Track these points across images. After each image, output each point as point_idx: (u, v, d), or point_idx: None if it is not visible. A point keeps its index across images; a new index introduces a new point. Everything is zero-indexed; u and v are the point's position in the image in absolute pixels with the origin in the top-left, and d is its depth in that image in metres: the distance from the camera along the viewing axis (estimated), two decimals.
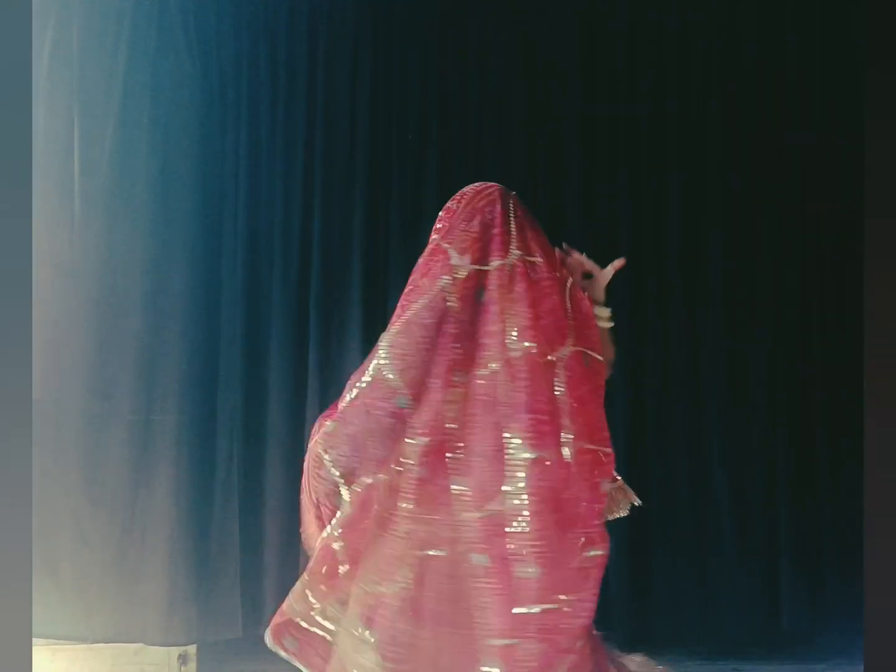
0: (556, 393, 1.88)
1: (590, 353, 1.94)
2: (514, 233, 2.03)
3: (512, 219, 2.05)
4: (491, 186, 2.16)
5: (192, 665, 3.81)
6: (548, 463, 1.83)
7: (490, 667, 1.79)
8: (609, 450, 1.91)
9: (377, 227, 4.03)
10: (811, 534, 3.99)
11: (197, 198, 3.99)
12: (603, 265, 2.17)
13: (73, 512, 3.86)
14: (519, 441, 1.83)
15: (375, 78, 4.08)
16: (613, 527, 4.10)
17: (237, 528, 3.90)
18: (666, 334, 4.09)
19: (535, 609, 1.81)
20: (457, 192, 2.20)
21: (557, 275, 1.99)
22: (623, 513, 2.07)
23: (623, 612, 3.94)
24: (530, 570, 1.82)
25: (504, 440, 1.83)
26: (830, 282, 4.09)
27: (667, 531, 3.97)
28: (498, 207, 2.06)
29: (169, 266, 3.95)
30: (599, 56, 4.15)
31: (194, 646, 3.83)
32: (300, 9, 4.06)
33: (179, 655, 3.79)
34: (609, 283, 2.11)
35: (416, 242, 2.57)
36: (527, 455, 1.83)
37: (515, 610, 1.81)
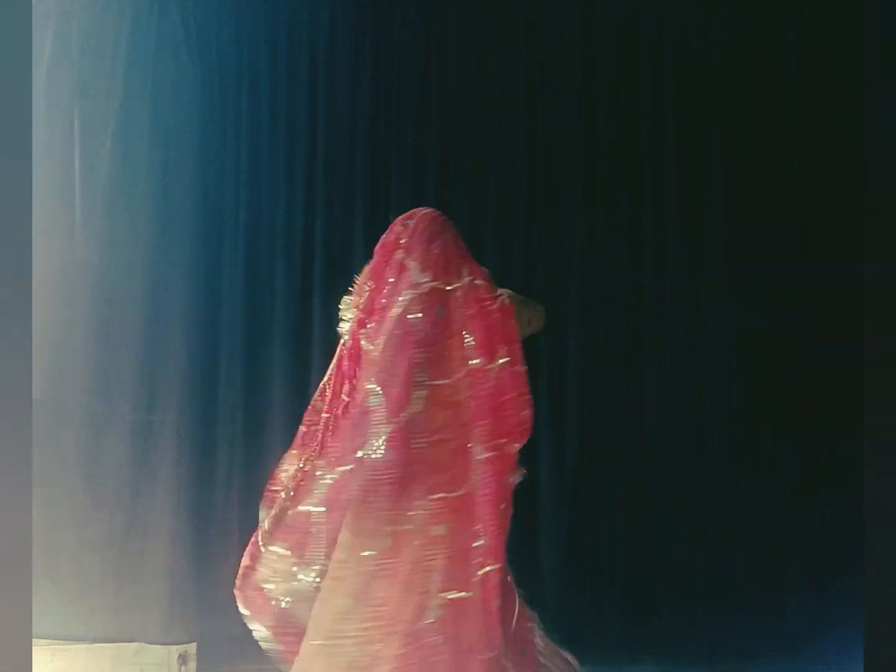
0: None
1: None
2: (461, 259, 2.39)
3: (460, 246, 2.41)
4: (438, 213, 2.47)
5: (192, 664, 3.81)
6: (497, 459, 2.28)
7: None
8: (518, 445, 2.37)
9: (378, 227, 4.01)
10: (816, 535, 3.99)
11: (197, 198, 3.98)
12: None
13: (73, 511, 3.86)
14: (478, 444, 2.26)
15: (376, 78, 4.07)
16: (616, 528, 4.14)
17: (237, 527, 3.89)
18: (667, 336, 4.09)
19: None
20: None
21: (494, 295, 2.38)
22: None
23: (624, 613, 3.95)
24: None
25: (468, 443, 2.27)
26: (831, 284, 4.08)
27: (669, 532, 3.97)
28: (450, 234, 2.40)
29: (169, 266, 3.95)
30: (601, 55, 4.15)
31: (194, 645, 3.83)
32: (301, 8, 4.06)
33: (179, 655, 3.80)
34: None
35: None
36: (483, 455, 2.26)
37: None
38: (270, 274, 4.02)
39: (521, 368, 2.35)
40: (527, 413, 2.36)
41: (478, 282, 2.38)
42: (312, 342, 3.94)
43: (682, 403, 4.05)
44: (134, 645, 3.80)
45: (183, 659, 3.79)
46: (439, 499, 2.22)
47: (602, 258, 4.07)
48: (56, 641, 3.77)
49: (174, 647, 3.81)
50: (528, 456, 3.94)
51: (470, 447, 2.27)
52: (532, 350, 4.06)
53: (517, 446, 2.36)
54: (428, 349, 2.27)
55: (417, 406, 2.25)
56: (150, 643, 3.80)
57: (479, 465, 2.26)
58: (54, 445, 3.85)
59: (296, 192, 4.03)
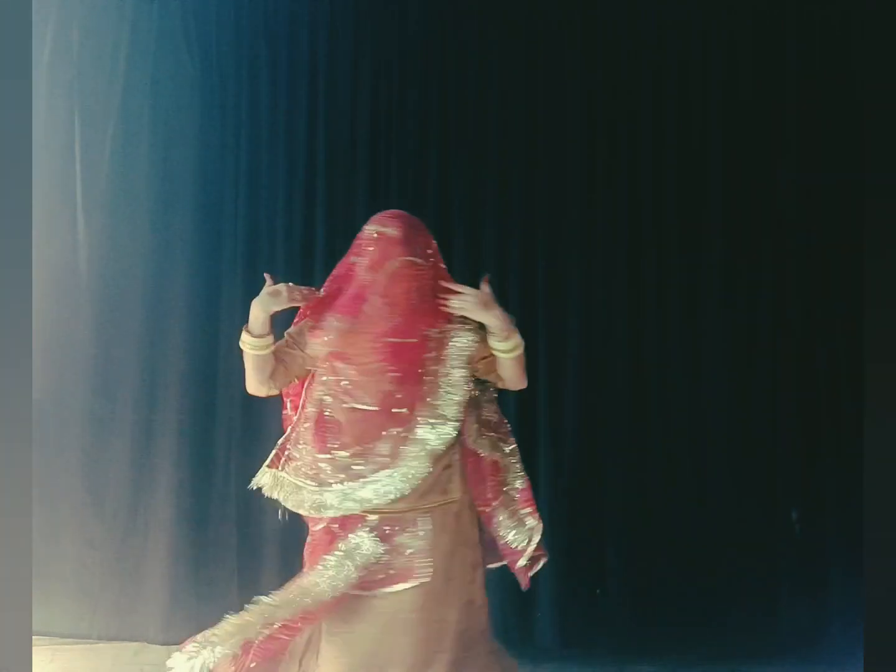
0: None
1: None
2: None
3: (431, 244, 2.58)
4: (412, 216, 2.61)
5: None
6: None
7: None
8: None
9: None
10: (813, 534, 3.99)
11: (197, 197, 3.99)
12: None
13: (74, 511, 3.87)
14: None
15: (376, 78, 4.07)
16: (615, 527, 4.12)
17: (236, 527, 3.90)
18: (666, 336, 4.08)
19: None
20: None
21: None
22: None
23: (623, 612, 3.95)
24: None
25: None
26: (831, 285, 4.08)
27: (667, 531, 3.97)
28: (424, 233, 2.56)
29: (169, 265, 3.95)
30: (601, 56, 4.15)
31: None
32: (300, 8, 4.06)
33: None
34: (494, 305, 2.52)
35: None
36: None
37: None
38: (270, 273, 4.01)
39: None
40: None
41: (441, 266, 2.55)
42: None
43: (681, 403, 4.05)
44: (134, 645, 3.81)
45: None
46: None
47: (602, 259, 4.07)
48: (60, 639, 3.78)
49: (174, 648, 3.80)
50: (527, 456, 3.99)
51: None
52: (532, 350, 4.08)
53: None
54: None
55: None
56: (151, 643, 3.81)
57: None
58: (54, 445, 3.86)
59: (296, 191, 4.03)
